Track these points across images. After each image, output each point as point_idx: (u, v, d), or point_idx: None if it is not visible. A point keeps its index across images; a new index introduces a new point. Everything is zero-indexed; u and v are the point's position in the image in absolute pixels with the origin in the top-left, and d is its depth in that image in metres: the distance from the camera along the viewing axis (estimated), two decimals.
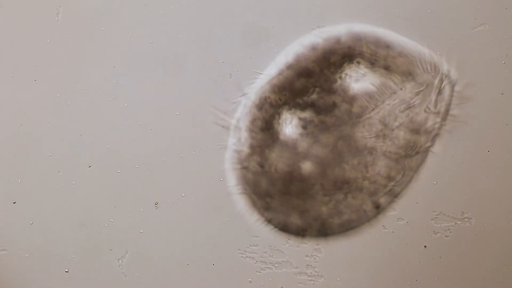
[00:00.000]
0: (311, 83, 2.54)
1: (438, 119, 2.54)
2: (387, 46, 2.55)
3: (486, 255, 2.55)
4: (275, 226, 2.60)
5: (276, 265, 2.59)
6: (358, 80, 2.54)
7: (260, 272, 2.60)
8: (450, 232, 2.55)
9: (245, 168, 2.57)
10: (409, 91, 2.54)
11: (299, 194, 2.56)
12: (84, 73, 2.66)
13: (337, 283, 2.58)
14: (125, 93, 2.65)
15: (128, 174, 2.64)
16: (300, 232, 2.61)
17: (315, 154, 2.55)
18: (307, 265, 2.59)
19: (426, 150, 2.55)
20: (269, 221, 2.59)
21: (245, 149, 2.60)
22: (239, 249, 2.61)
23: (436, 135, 2.55)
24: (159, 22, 2.65)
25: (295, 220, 2.59)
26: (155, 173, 2.64)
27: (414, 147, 2.54)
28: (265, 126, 2.57)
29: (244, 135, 2.60)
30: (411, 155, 2.54)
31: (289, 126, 2.55)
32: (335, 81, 2.53)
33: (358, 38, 2.56)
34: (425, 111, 2.53)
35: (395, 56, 2.54)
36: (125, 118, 2.65)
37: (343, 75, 2.54)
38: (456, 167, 2.55)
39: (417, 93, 2.53)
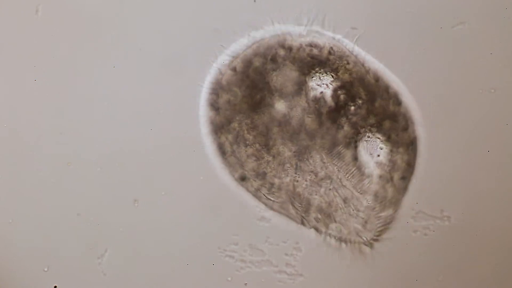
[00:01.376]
0: (360, 103, 2.52)
1: (333, 235, 2.57)
2: (403, 191, 2.55)
3: (466, 254, 2.56)
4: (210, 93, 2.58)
5: (256, 264, 2.59)
6: (370, 154, 2.53)
7: (239, 271, 2.59)
8: (429, 230, 2.55)
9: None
10: (361, 204, 2.54)
11: (248, 100, 2.55)
12: (83, 74, 2.63)
13: (317, 281, 2.58)
14: (124, 93, 2.62)
15: (109, 172, 2.63)
16: (219, 128, 2.58)
17: (292, 113, 2.54)
18: (287, 263, 2.59)
19: (300, 220, 2.57)
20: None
21: (279, 51, 2.56)
22: (218, 248, 2.60)
23: (316, 229, 2.57)
24: (159, 22, 2.60)
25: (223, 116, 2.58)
26: (136, 171, 2.63)
27: (302, 207, 2.55)
28: (310, 58, 2.54)
29: (300, 42, 2.55)
30: (294, 205, 2.56)
31: (315, 84, 2.53)
32: (367, 132, 2.53)
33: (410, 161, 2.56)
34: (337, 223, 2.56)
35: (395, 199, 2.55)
36: (122, 118, 2.63)
37: (374, 139, 2.53)
38: (455, 166, 2.57)
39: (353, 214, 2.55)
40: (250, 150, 2.56)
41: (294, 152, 2.55)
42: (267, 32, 2.57)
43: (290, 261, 2.60)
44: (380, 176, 2.54)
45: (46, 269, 2.63)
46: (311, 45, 2.55)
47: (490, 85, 2.54)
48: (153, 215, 2.62)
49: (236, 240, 2.60)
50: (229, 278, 2.61)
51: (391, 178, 2.54)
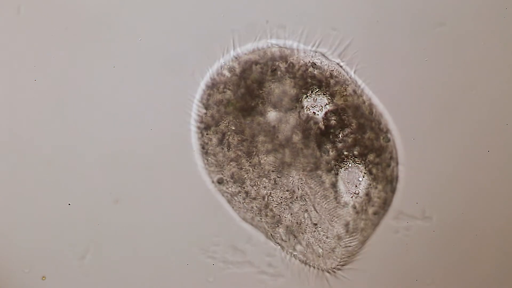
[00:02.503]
0: (349, 132, 2.55)
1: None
2: (374, 226, 2.61)
3: (466, 254, 2.59)
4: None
5: (237, 265, 2.56)
6: (348, 184, 2.57)
7: (220, 272, 2.56)
8: (429, 230, 2.54)
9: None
10: (331, 230, 2.57)
11: (239, 105, 2.56)
12: (83, 74, 2.62)
13: (299, 282, 2.54)
14: (124, 93, 2.63)
15: (109, 171, 2.63)
16: (205, 128, 2.59)
17: (280, 127, 2.57)
18: (269, 264, 2.55)
19: (269, 235, 2.61)
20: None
21: (281, 65, 2.58)
22: (201, 249, 2.59)
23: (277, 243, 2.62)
24: (159, 22, 2.61)
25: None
26: (136, 171, 2.63)
27: (271, 222, 2.60)
28: (310, 78, 2.56)
29: (304, 60, 2.58)
30: (263, 219, 2.60)
31: (309, 104, 2.57)
32: (350, 161, 2.56)
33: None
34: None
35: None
36: (122, 118, 2.63)
37: (355, 170, 2.57)
38: (456, 166, 2.59)
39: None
40: (232, 155, 2.60)
41: (274, 166, 2.58)
42: (274, 42, 2.60)
43: (272, 262, 2.57)
44: (354, 207, 2.57)
45: (27, 271, 2.60)
46: (313, 65, 2.59)
47: (490, 84, 2.57)
48: (135, 215, 2.63)
49: (217, 241, 2.60)
50: (211, 279, 2.57)
51: (365, 211, 2.57)
